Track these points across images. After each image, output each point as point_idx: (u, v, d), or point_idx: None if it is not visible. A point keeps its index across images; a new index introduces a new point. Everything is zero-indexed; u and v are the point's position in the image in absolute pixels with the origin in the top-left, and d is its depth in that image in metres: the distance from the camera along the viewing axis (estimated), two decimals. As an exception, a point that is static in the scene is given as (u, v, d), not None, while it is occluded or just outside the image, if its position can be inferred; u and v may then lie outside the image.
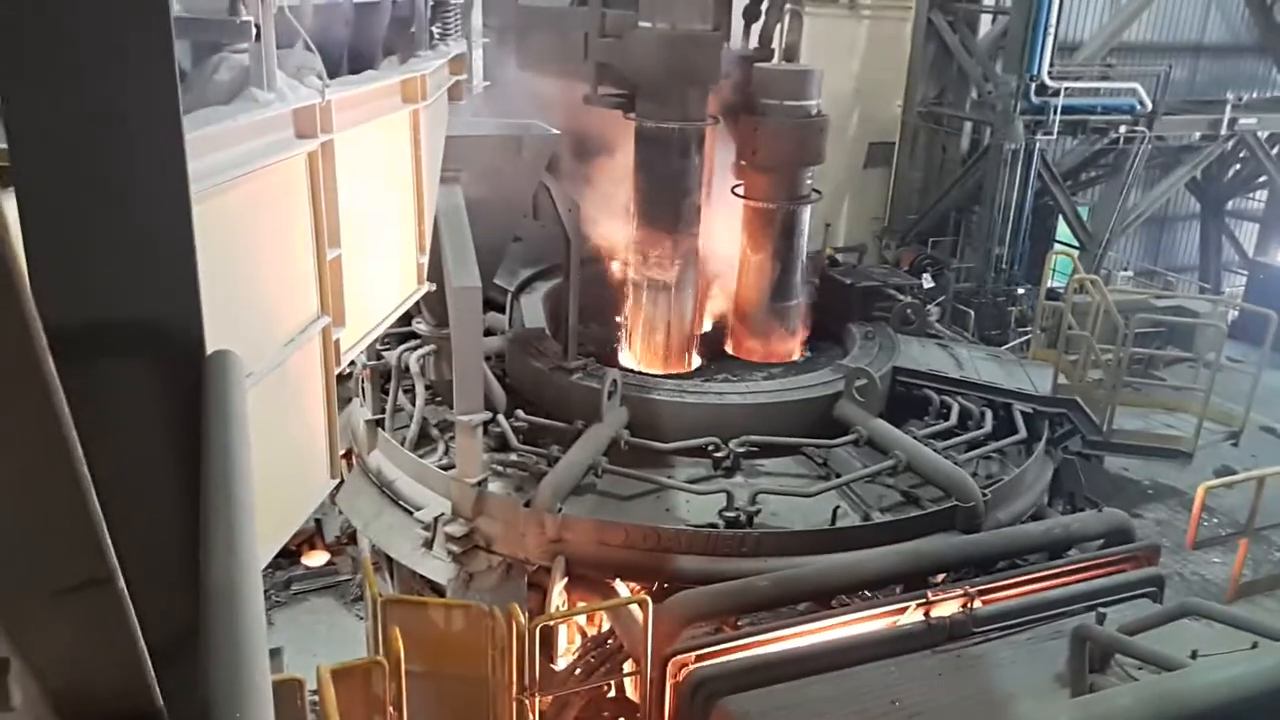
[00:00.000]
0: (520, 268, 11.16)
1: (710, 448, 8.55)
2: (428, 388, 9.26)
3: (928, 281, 14.34)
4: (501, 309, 10.51)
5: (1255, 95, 19.92)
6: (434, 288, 6.01)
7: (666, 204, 9.69)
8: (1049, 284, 11.89)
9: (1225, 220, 20.92)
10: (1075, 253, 14.72)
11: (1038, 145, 15.51)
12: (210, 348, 1.73)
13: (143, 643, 1.01)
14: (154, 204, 1.63)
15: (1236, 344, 11.19)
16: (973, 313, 14.88)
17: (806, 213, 10.47)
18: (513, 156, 8.17)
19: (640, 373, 9.87)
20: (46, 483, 0.86)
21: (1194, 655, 5.77)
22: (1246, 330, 12.17)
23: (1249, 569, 8.56)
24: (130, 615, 0.97)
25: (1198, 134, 17.27)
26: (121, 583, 0.94)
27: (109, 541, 0.92)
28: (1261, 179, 19.57)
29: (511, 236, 9.37)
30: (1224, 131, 17.04)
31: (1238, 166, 19.90)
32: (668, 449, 8.54)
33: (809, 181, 10.39)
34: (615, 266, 10.75)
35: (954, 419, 9.38)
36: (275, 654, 8.59)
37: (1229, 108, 16.94)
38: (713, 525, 7.64)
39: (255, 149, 3.32)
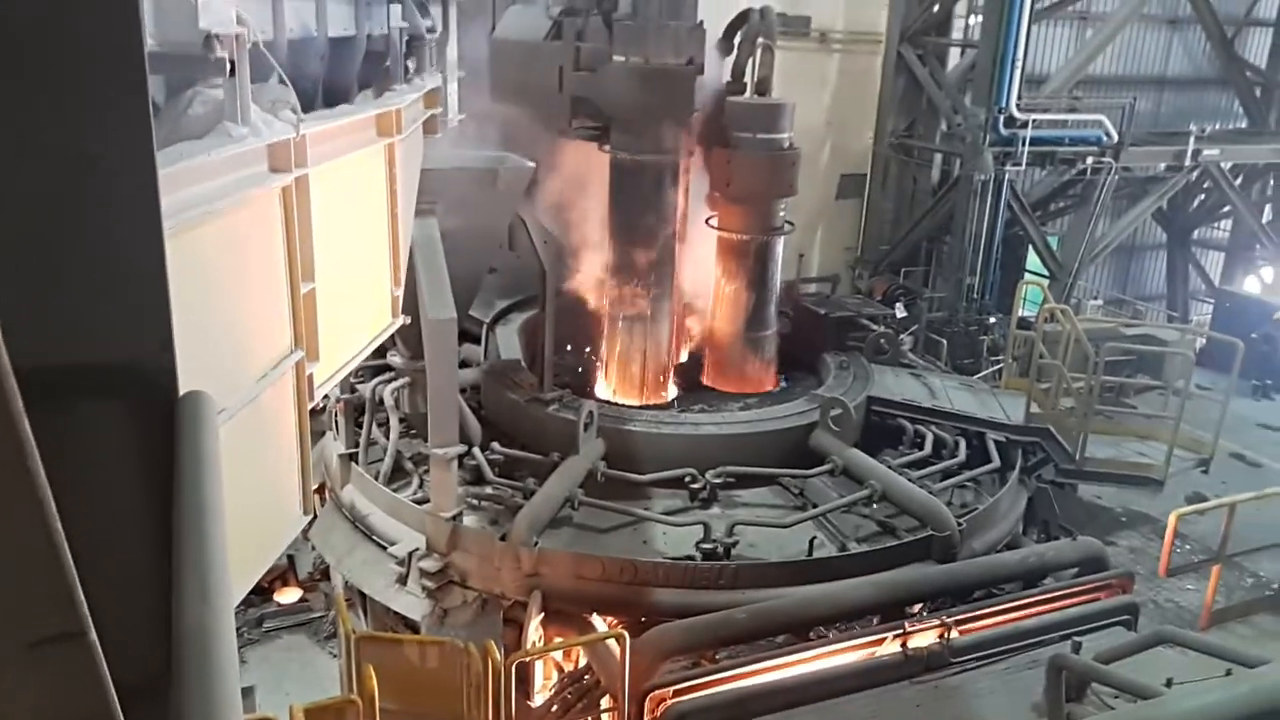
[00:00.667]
0: (495, 299, 11.10)
1: (687, 479, 8.50)
2: (402, 421, 9.22)
3: (900, 311, 14.38)
4: (477, 340, 10.48)
5: (1218, 127, 20.26)
6: (409, 320, 5.96)
7: (642, 235, 9.73)
8: (1020, 313, 11.97)
9: (1191, 249, 21.16)
10: (1045, 282, 14.73)
11: (1007, 176, 15.66)
12: (183, 385, 1.70)
13: (114, 693, 1.00)
14: (126, 243, 1.60)
15: (1204, 372, 11.29)
16: (945, 342, 14.90)
17: (780, 243, 10.51)
18: (488, 189, 8.21)
19: (616, 404, 9.88)
20: (18, 535, 0.86)
21: (1169, 683, 5.78)
22: (1214, 358, 12.24)
23: (1222, 595, 8.58)
24: (102, 667, 0.96)
25: (1163, 165, 17.47)
26: (93, 634, 0.94)
27: (81, 594, 0.91)
28: (1225, 209, 19.80)
29: (487, 268, 9.37)
30: (1188, 162, 17.27)
31: (1202, 196, 20.17)
32: (644, 480, 8.49)
33: (782, 213, 10.44)
34: (591, 298, 10.66)
35: (928, 448, 9.35)
36: (248, 693, 8.50)
37: (1192, 139, 17.19)
38: (690, 557, 7.57)
39: (229, 183, 3.30)
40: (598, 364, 10.54)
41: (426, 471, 8.37)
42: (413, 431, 9.38)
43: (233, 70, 3.35)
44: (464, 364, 9.57)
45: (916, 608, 7.49)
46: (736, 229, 10.25)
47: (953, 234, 16.46)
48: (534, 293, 9.99)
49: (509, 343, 10.46)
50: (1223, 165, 17.94)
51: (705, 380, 10.87)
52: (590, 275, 10.50)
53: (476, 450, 8.63)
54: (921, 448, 9.42)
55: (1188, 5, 19.60)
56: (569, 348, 10.69)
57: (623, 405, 9.81)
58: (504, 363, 10.08)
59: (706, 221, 10.43)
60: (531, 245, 9.24)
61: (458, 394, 7.99)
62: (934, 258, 17.93)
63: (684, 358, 11.08)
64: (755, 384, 10.70)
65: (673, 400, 10.29)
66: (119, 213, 1.59)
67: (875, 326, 11.25)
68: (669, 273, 10.01)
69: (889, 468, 8.77)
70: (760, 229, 10.25)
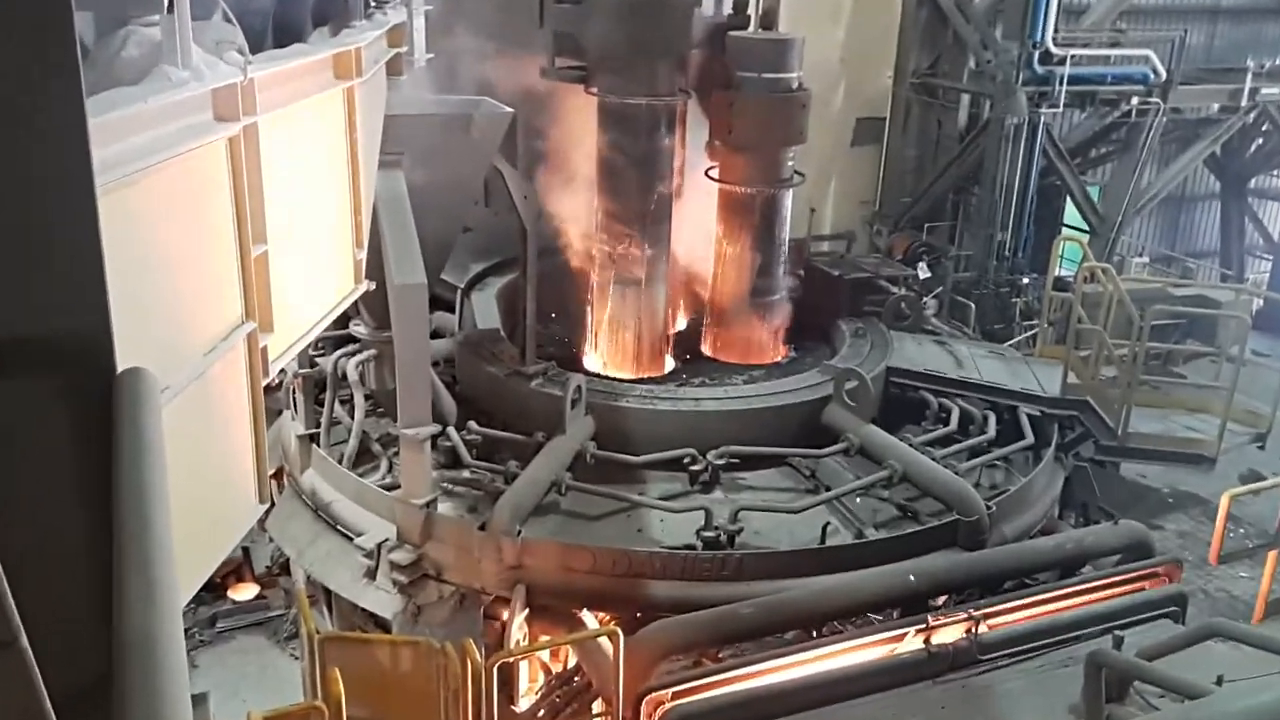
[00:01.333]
0: (471, 261, 11.03)
1: (686, 460, 8.51)
2: (368, 398, 9.12)
3: (923, 271, 14.15)
4: (451, 308, 10.42)
5: (1278, 63, 20.11)
6: (374, 286, 5.95)
7: (635, 189, 9.70)
8: (1057, 273, 11.84)
9: (1248, 200, 20.97)
10: (1085, 238, 14.54)
11: (1042, 119, 15.42)
12: (120, 361, 1.67)
13: (47, 704, 0.99)
14: (54, 203, 1.56)
15: (1262, 336, 11.53)
16: (973, 305, 14.78)
17: (788, 197, 10.44)
18: (461, 137, 8.16)
19: (607, 378, 9.91)
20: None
21: (1220, 681, 5.78)
22: (1272, 321, 12.34)
23: (1279, 584, 8.64)
24: (35, 676, 0.94)
25: (1216, 105, 17.24)
26: (24, 641, 0.92)
27: (12, 602, 0.90)
28: (1286, 154, 20.11)
29: (460, 227, 9.23)
30: (1244, 102, 17.03)
31: (1260, 141, 19.89)
32: (639, 462, 8.51)
33: (790, 163, 10.36)
34: (578, 259, 10.58)
35: (954, 424, 9.42)
36: (199, 701, 7.89)
37: (1250, 76, 16.94)
38: (690, 547, 7.56)
39: (168, 134, 3.24)
40: (587, 332, 10.45)
41: (396, 454, 8.32)
42: (380, 410, 9.32)
43: (171, 6, 3.27)
44: (436, 334, 9.56)
45: (941, 600, 7.45)
46: (740, 181, 10.17)
47: (982, 184, 16.22)
48: (514, 254, 9.84)
49: (486, 310, 10.38)
50: (1284, 105, 18.27)
51: (706, 351, 10.85)
52: (578, 234, 10.41)
53: (451, 430, 8.59)
54: (946, 423, 9.40)
55: (1245, -75, 19.63)
56: (554, 315, 10.62)
57: (614, 379, 9.84)
58: (481, 333, 10.05)
59: (706, 173, 10.29)
60: (510, 201, 9.12)
61: (429, 368, 7.96)
62: (961, 211, 17.58)
63: (681, 326, 10.99)
64: (761, 354, 10.68)
65: (670, 373, 10.27)
66: (45, 168, 1.55)
67: (895, 289, 11.17)
68: (665, 231, 9.96)
69: (910, 446, 8.79)
70: (766, 180, 10.16)
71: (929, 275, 14.44)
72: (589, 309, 10.38)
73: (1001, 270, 15.84)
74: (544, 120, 10.12)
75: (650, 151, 9.65)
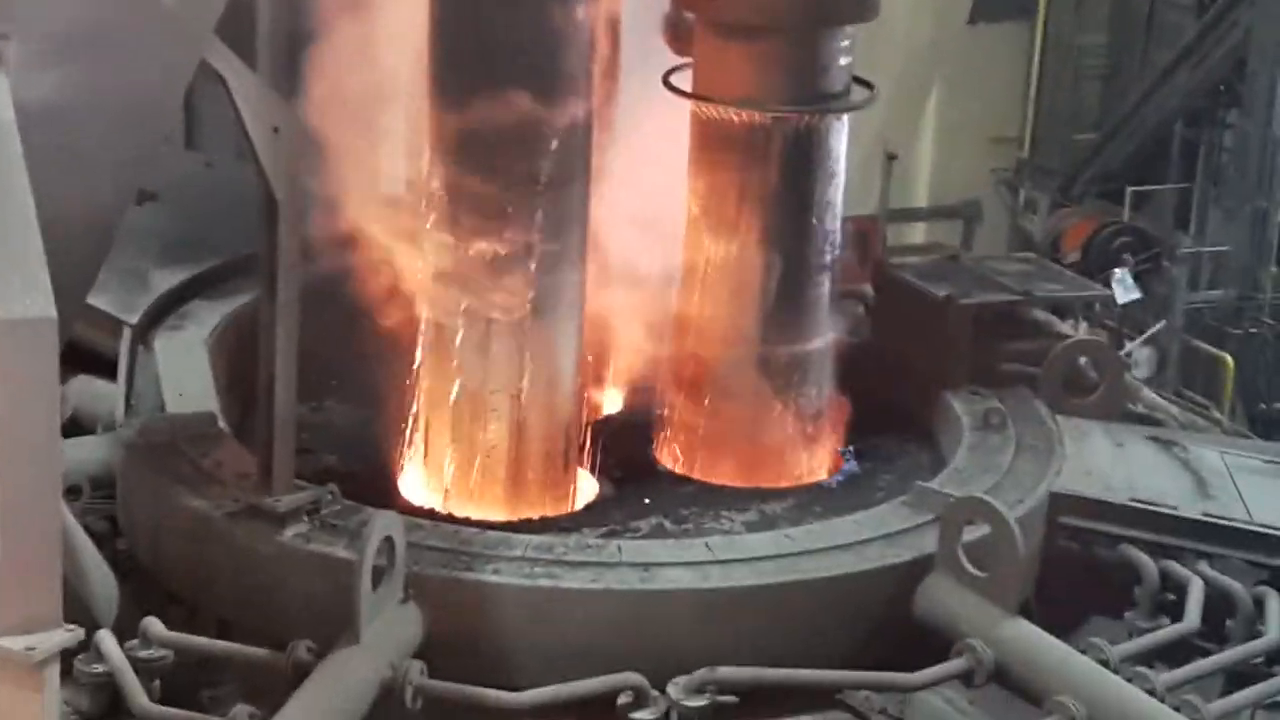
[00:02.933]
0: (154, 269, 9.94)
1: (624, 700, 7.36)
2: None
3: (1125, 288, 12.92)
4: (110, 369, 9.28)
5: None
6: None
7: (504, 118, 8.25)
8: None
9: None
10: None
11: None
12: None
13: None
14: None
15: None
16: (1229, 360, 13.42)
17: (842, 132, 8.73)
18: (138, 9, 7.18)
19: (453, 520, 8.51)
20: None
21: None
22: None
23: None
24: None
25: None
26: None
27: None
28: None
29: (132, 193, 8.10)
30: None
31: None
32: (521, 706, 7.44)
33: (844, 61, 8.59)
34: (390, 270, 9.33)
35: (1193, 614, 8.02)
36: None
37: None
38: None
39: None
40: (408, 426, 9.16)
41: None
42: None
43: None
44: (75, 426, 8.67)
45: None
46: (737, 96, 8.58)
47: (1245, 107, 14.75)
48: (247, 253, 8.78)
49: (187, 373, 9.22)
50: None
51: (666, 461, 9.56)
52: (388, 216, 9.08)
53: (106, 637, 7.40)
54: (1178, 613, 8.24)
55: None
56: (335, 384, 9.72)
57: (468, 523, 8.44)
58: (176, 422, 8.74)
59: (665, 80, 8.71)
60: (247, 139, 7.56)
61: (58, 499, 6.69)
62: (1201, 163, 15.87)
63: (613, 408, 9.87)
64: (782, 466, 9.29)
65: (588, 509, 8.93)
66: None
67: (1067, 326, 10.03)
68: (574, 210, 8.47)
69: (1103, 665, 7.84)
70: (794, 95, 8.57)
71: (1136, 296, 13.30)
72: (413, 376, 8.99)
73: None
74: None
75: (538, 36, 8.09)
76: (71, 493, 7.79)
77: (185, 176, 9.76)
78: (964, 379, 9.57)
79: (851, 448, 9.63)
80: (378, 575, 7.11)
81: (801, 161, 8.83)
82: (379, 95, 9.01)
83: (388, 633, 7.39)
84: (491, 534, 8.11)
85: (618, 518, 8.72)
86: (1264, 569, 8.38)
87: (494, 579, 7.56)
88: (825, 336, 9.19)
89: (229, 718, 6.97)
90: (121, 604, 7.80)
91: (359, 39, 8.87)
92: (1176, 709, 7.23)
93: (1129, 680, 7.41)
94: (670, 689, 7.00)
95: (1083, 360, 9.52)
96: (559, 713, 7.35)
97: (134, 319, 9.36)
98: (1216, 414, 11.62)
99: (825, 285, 9.15)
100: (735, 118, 8.68)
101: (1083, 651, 7.58)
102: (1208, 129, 16.04)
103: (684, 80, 8.88)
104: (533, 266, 8.42)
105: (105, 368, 9.22)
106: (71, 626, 5.79)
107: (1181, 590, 8.14)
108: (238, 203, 8.75)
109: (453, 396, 8.81)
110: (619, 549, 7.93)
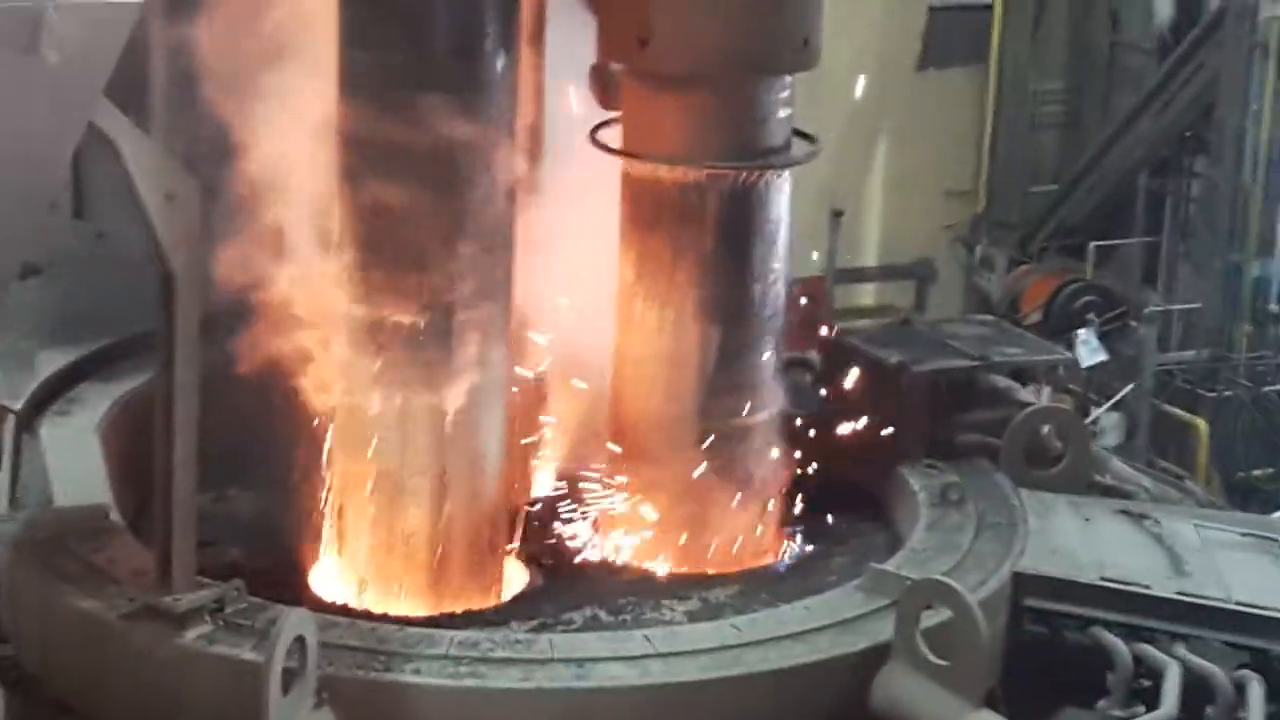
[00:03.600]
0: (40, 349, 9.92)
1: None
2: None
3: (1089, 349, 12.88)
4: None
5: None
6: None
7: (425, 180, 7.99)
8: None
9: None
10: None
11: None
12: None
13: None
14: None
15: None
16: (1203, 426, 13.33)
17: (783, 189, 8.61)
18: (19, 62, 6.59)
19: (370, 615, 8.41)
20: None
21: None
22: None
23: None
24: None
25: None
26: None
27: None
28: None
29: (16, 268, 7.78)
30: None
31: None
32: None
33: (783, 114, 8.49)
34: (301, 345, 8.96)
35: (1170, 701, 7.86)
36: None
37: None
38: None
39: None
40: (320, 514, 8.92)
41: None
42: None
43: None
44: None
45: None
46: (668, 151, 8.45)
47: (1214, 153, 14.57)
48: (140, 329, 8.81)
49: (76, 463, 9.06)
50: None
51: (599, 545, 9.46)
52: (300, 284, 8.83)
53: None
54: (1155, 698, 8.06)
55: None
56: (241, 471, 9.55)
57: (386, 620, 8.28)
58: (62, 516, 8.59)
59: (592, 136, 8.60)
60: (141, 208, 7.16)
61: None
62: (1169, 214, 15.73)
63: (542, 491, 9.66)
64: (725, 551, 9.15)
65: (516, 600, 8.81)
66: None
67: (1025, 394, 9.93)
68: (498, 276, 8.28)
69: None
70: (730, 150, 8.48)
71: (1102, 359, 13.34)
72: (325, 459, 8.78)
73: (1265, 343, 14.14)
74: (217, 22, 8.27)
75: (460, 76, 7.88)
76: (-53, 592, 7.39)
77: (74, 248, 9.80)
78: (920, 452, 9.49)
79: (800, 528, 9.57)
80: (288, 679, 6.72)
81: (740, 222, 8.74)
82: (289, 150, 8.74)
83: (294, 742, 6.46)
84: (412, 630, 8.01)
85: (549, 609, 8.57)
86: (1244, 651, 8.30)
87: (415, 680, 7.41)
88: (770, 409, 9.13)
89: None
90: (8, 716, 7.52)
91: (270, 92, 8.67)
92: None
93: (1100, 778, 7.10)
94: (607, 798, 6.54)
95: (1046, 429, 9.44)
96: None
97: (18, 404, 9.36)
98: (1191, 484, 11.47)
99: (768, 354, 9.07)
100: (667, 175, 8.62)
101: (1051, 742, 7.15)
102: (1174, 178, 16.06)
103: (613, 137, 8.77)
104: (453, 338, 8.26)
105: (-15, 458, 8.56)
106: (-60, 753, 5.77)
107: (1157, 676, 8.04)
108: (132, 276, 8.70)
109: (372, 481, 8.60)
110: (550, 644, 7.80)
